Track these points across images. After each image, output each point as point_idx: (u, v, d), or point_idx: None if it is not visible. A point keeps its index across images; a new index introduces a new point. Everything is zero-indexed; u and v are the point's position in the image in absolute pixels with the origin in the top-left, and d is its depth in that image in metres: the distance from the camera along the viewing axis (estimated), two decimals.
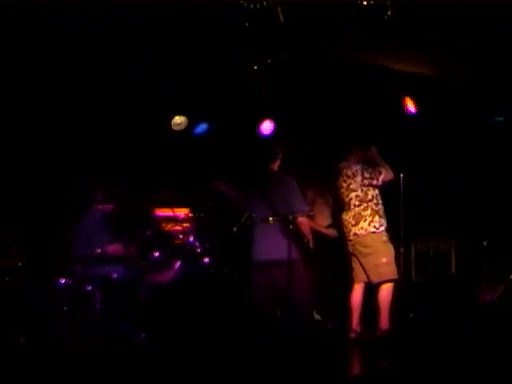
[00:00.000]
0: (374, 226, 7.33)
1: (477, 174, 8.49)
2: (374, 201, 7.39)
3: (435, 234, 8.39)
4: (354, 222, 7.40)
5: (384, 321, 7.21)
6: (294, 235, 6.84)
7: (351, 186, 7.42)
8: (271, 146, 7.21)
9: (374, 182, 7.38)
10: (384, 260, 7.28)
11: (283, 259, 6.72)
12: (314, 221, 7.80)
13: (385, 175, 7.41)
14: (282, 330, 6.72)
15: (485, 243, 8.24)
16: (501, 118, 8.22)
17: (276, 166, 7.13)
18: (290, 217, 6.73)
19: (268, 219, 6.77)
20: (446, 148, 8.50)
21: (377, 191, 7.42)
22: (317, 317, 7.73)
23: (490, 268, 8.05)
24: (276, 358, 6.20)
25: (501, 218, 8.33)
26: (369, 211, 7.36)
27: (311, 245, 6.97)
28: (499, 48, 6.87)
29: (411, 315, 7.61)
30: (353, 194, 7.42)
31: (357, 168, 7.42)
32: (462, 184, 8.50)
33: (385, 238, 7.36)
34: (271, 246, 6.80)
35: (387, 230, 7.39)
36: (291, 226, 6.72)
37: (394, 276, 7.31)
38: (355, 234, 7.40)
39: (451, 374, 5.80)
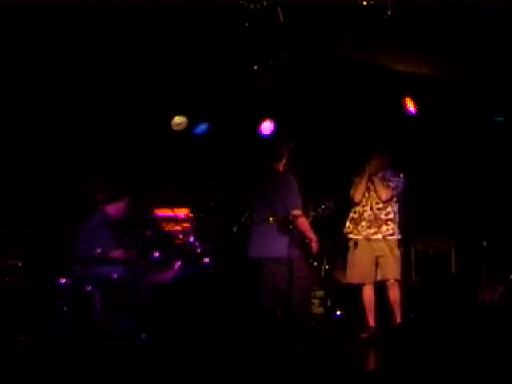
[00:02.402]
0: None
1: (477, 173, 8.48)
2: (355, 208, 7.67)
3: (435, 234, 8.39)
4: None
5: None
6: (296, 234, 6.86)
7: None
8: (276, 146, 7.20)
9: None
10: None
11: (281, 257, 6.74)
12: None
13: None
14: (281, 328, 6.73)
15: (485, 243, 8.24)
16: (501, 118, 8.21)
17: (281, 165, 7.12)
18: (290, 217, 6.74)
19: (268, 219, 6.77)
20: (446, 148, 8.50)
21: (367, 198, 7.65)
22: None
23: (489, 268, 8.05)
24: (275, 357, 6.21)
25: (501, 218, 8.33)
26: None
27: (313, 245, 6.97)
28: (499, 48, 6.86)
29: (411, 315, 7.61)
30: None
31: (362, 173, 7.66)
32: (462, 184, 8.50)
33: (351, 243, 7.68)
34: (268, 243, 6.80)
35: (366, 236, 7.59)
36: (291, 226, 6.73)
37: (348, 279, 7.76)
38: None
39: (451, 374, 5.79)
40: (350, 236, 7.68)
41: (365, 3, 6.16)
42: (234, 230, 7.35)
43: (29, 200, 8.03)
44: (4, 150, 7.92)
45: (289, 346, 6.52)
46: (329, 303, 8.45)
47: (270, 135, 8.12)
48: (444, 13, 6.35)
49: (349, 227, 7.68)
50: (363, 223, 7.60)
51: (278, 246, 6.79)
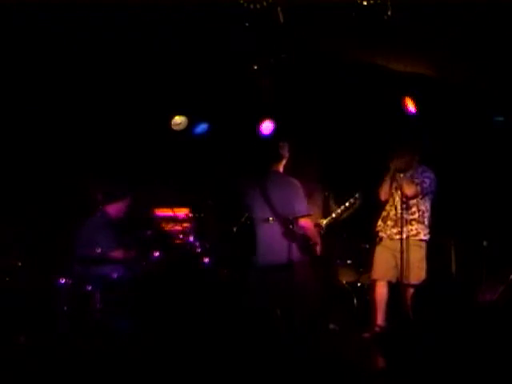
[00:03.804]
0: None
1: (477, 173, 8.48)
2: (385, 206, 7.68)
3: (435, 234, 8.38)
4: None
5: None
6: (301, 238, 6.86)
7: None
8: (276, 146, 7.18)
9: None
10: None
11: (288, 262, 6.72)
12: None
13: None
14: (282, 331, 6.72)
15: (485, 243, 8.24)
16: (501, 118, 8.21)
17: (281, 166, 7.11)
18: (290, 217, 6.73)
19: (268, 219, 6.77)
20: (446, 148, 8.49)
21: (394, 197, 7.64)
22: (332, 326, 7.75)
23: (489, 268, 8.04)
24: (275, 359, 6.20)
25: (501, 218, 8.32)
26: None
27: (317, 248, 6.98)
28: (499, 48, 6.86)
29: (411, 315, 7.60)
30: None
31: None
32: (462, 184, 8.49)
33: (377, 239, 7.68)
34: (277, 249, 6.77)
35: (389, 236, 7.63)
36: (291, 226, 6.73)
37: (371, 276, 7.72)
38: None
39: (451, 374, 5.79)
40: (380, 234, 7.68)
41: (365, 3, 6.15)
42: (234, 229, 7.35)
43: (29, 200, 8.03)
44: (4, 150, 7.92)
45: (287, 347, 6.51)
46: None
47: (270, 135, 8.11)
48: (444, 13, 6.35)
49: (379, 225, 7.67)
50: (389, 222, 7.59)
51: (286, 251, 6.78)
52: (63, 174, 8.18)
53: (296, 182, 6.98)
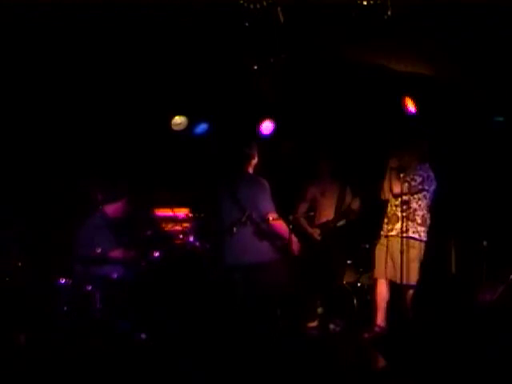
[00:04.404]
0: None
1: (477, 173, 8.48)
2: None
3: (435, 234, 8.39)
4: None
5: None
6: (277, 237, 6.87)
7: None
8: (245, 148, 7.17)
9: None
10: None
11: (261, 262, 6.73)
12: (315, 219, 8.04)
13: None
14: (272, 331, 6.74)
15: (485, 243, 8.24)
16: (501, 118, 8.21)
17: (250, 167, 7.10)
18: (260, 217, 6.76)
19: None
20: (446, 148, 8.49)
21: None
22: (332, 326, 7.75)
23: (489, 268, 8.04)
24: (274, 358, 6.21)
25: (501, 218, 8.32)
26: None
27: (294, 247, 6.94)
28: (499, 48, 6.87)
29: (411, 315, 7.60)
30: None
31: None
32: (462, 184, 8.49)
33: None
34: (249, 249, 6.78)
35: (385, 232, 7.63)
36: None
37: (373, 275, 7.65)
38: None
39: (451, 374, 5.79)
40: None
41: (365, 3, 6.15)
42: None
43: (29, 200, 8.03)
44: (4, 150, 7.92)
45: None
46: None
47: (268, 135, 8.13)
48: (444, 13, 6.35)
49: (384, 223, 7.64)
50: (385, 219, 7.59)
51: (260, 250, 6.79)
52: (63, 174, 8.18)
53: (264, 182, 6.98)
